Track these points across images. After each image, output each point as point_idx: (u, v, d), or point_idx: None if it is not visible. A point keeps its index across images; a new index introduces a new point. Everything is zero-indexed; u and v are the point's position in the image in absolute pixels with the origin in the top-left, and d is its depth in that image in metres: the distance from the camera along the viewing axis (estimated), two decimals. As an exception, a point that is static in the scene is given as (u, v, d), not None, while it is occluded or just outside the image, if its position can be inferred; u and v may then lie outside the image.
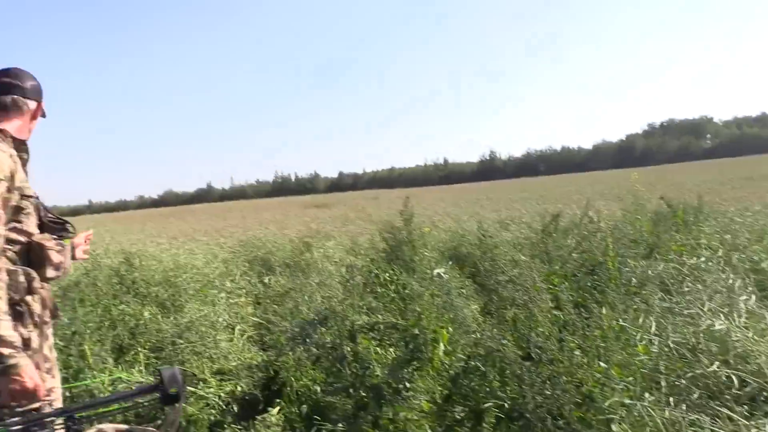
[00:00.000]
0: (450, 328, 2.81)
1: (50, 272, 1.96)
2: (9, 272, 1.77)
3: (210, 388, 3.65)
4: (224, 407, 3.54)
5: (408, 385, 2.61)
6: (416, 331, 2.80)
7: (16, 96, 2.04)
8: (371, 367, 2.76)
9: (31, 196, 1.96)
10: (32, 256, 1.90)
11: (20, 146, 2.01)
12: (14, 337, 1.71)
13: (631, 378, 2.37)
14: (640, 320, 2.76)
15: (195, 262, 6.19)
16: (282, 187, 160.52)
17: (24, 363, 1.72)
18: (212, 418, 3.43)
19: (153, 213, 49.08)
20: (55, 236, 2.04)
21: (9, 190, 1.83)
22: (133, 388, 3.18)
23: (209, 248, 8.32)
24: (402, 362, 2.73)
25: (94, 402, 1.68)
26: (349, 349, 2.94)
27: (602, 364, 2.32)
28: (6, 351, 1.67)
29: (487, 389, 2.52)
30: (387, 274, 4.16)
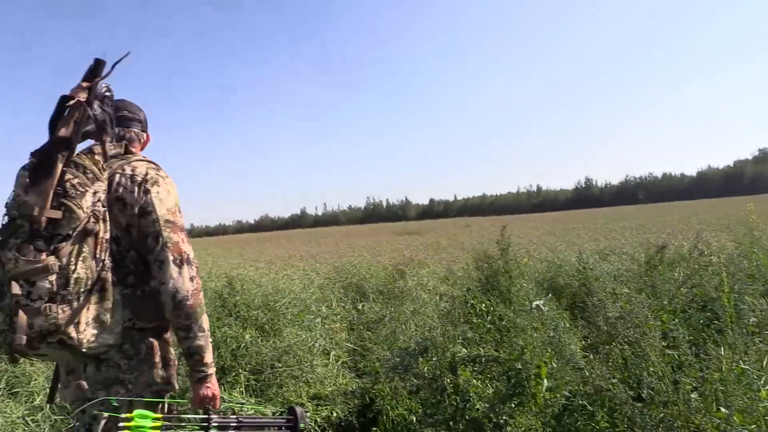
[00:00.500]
0: (554, 364, 2.71)
1: None
2: None
3: (307, 412, 3.69)
4: (320, 432, 3.58)
5: (509, 420, 2.55)
6: (519, 366, 2.73)
7: (137, 129, 2.14)
8: (471, 400, 2.71)
9: None
10: None
11: None
12: (211, 349, 1.92)
13: (754, 426, 2.20)
14: (764, 362, 2.55)
15: (293, 287, 6.32)
16: (373, 214, 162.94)
17: (213, 373, 1.93)
18: (309, 443, 3.47)
19: (250, 237, 51.01)
20: None
21: None
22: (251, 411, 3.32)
23: (305, 273, 8.48)
24: (503, 397, 2.66)
25: (239, 420, 1.83)
26: (449, 380, 2.89)
27: (723, 409, 2.15)
28: (209, 360, 1.90)
29: (594, 429, 2.41)
30: (483, 305, 4.10)
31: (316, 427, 3.59)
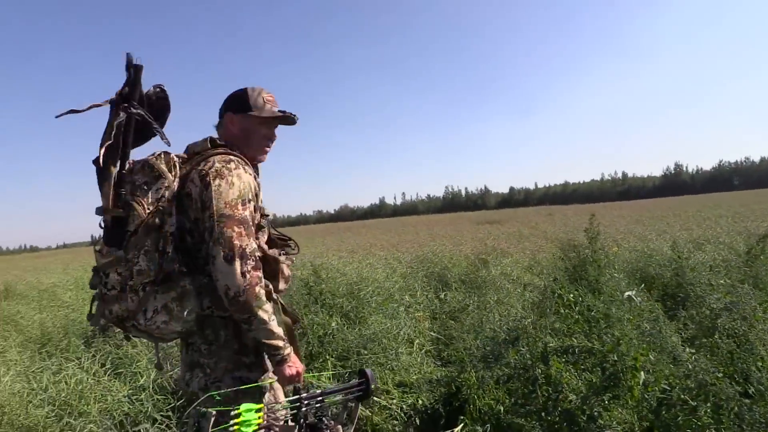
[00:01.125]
0: (651, 356, 2.60)
1: (282, 284, 2.12)
2: None
3: (393, 399, 3.74)
4: (406, 419, 3.60)
5: (603, 413, 2.47)
6: (614, 357, 2.64)
7: (224, 119, 2.20)
8: (563, 391, 2.65)
9: (266, 215, 2.11)
10: (267, 269, 2.01)
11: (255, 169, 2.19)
12: (281, 332, 1.95)
13: None
14: None
15: (376, 276, 6.39)
16: (452, 203, 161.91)
17: (291, 352, 1.98)
18: (396, 429, 3.51)
19: (330, 227, 51.76)
20: (281, 252, 2.19)
21: (255, 209, 2.00)
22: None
23: (387, 263, 8.55)
24: (598, 389, 2.59)
25: (323, 393, 1.95)
26: (540, 371, 2.84)
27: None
28: (281, 343, 1.93)
29: (697, 425, 2.29)
30: (571, 295, 4.00)
31: (402, 414, 3.61)
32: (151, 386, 3.42)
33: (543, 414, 2.65)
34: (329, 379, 4.06)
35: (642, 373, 2.52)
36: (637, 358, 2.52)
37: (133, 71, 1.86)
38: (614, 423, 2.42)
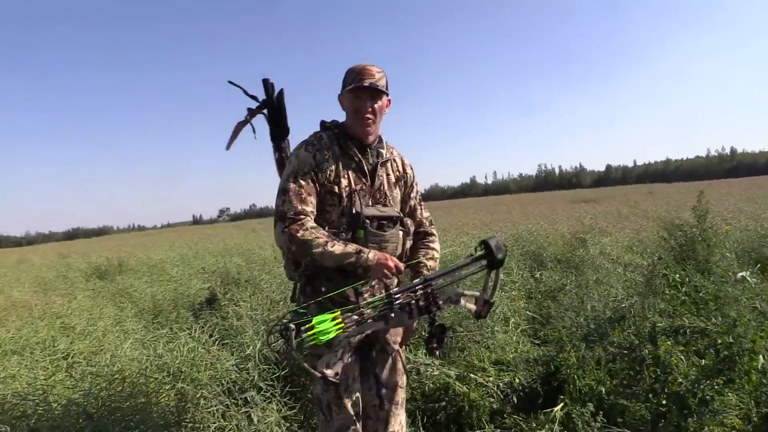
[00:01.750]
0: (772, 339, 2.44)
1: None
2: None
3: (489, 377, 3.72)
4: (503, 397, 3.58)
5: (716, 396, 2.36)
6: (729, 339, 2.50)
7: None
8: (672, 373, 2.54)
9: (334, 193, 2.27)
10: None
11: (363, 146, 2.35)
12: (346, 248, 2.15)
13: None
14: None
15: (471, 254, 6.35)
16: (545, 182, 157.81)
17: (371, 254, 2.15)
18: (493, 406, 3.50)
19: (422, 207, 51.64)
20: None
21: (312, 181, 2.25)
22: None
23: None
24: (710, 371, 2.47)
25: (445, 271, 2.14)
26: (648, 351, 2.74)
27: None
28: (352, 255, 2.13)
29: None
30: (677, 275, 3.82)
31: (499, 392, 3.60)
32: (256, 356, 3.57)
33: (650, 396, 2.56)
34: (425, 355, 4.09)
35: (761, 356, 2.37)
36: (755, 341, 2.37)
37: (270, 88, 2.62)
38: (728, 408, 2.31)
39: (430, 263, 2.43)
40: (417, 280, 2.07)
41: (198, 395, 3.15)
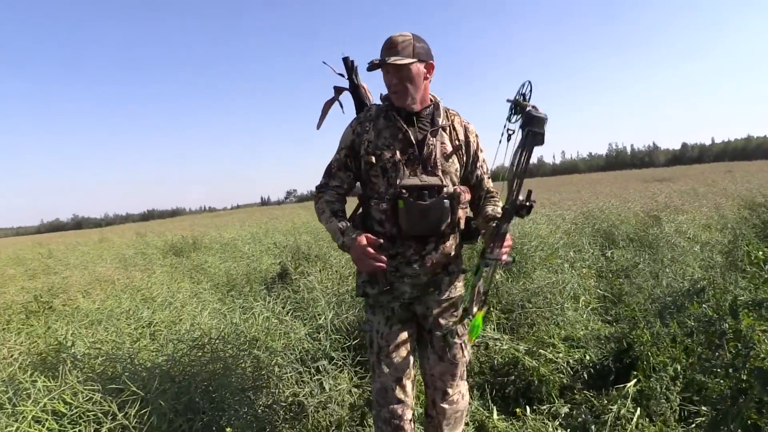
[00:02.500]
0: None
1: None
2: None
3: (559, 353, 3.70)
4: (573, 374, 3.55)
5: (803, 374, 2.26)
6: (819, 313, 2.39)
7: None
8: (755, 348, 2.45)
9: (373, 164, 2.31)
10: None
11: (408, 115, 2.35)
12: (335, 226, 2.31)
13: None
14: None
15: (539, 232, 6.28)
16: (616, 161, 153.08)
17: (350, 239, 2.22)
18: (563, 381, 3.47)
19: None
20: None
21: (345, 155, 2.37)
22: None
23: (549, 219, 8.33)
24: (797, 347, 2.36)
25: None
26: (729, 325, 2.65)
27: None
28: (338, 228, 2.28)
29: None
30: (761, 252, 3.65)
31: (569, 369, 3.57)
32: (328, 326, 3.67)
33: (730, 371, 2.48)
34: (494, 330, 4.10)
35: None
36: None
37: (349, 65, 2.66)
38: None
39: (498, 208, 2.39)
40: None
41: (273, 362, 3.27)
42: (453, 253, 2.38)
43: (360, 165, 2.35)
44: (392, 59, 2.17)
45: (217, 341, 3.38)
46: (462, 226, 2.36)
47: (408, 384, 2.35)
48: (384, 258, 2.15)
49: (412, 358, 2.39)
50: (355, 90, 2.68)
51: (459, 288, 2.46)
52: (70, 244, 18.07)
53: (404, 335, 2.38)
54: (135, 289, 5.67)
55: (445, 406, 2.47)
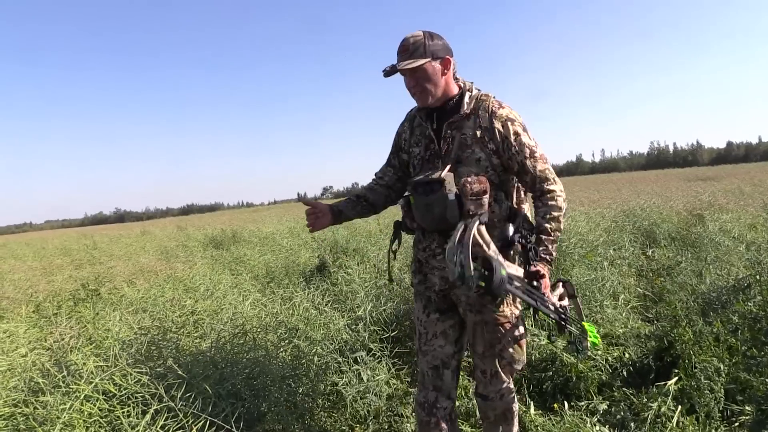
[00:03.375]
0: None
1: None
2: None
3: (598, 350, 3.67)
4: (611, 371, 3.52)
5: None
6: None
7: None
8: (802, 345, 2.40)
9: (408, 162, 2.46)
10: None
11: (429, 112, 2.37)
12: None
13: None
14: None
15: (578, 229, 6.22)
16: (658, 160, 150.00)
17: None
18: (602, 377, 3.45)
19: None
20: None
21: (393, 151, 2.55)
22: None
23: (588, 217, 8.23)
24: None
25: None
26: (774, 322, 2.60)
27: None
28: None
29: None
30: (809, 251, 3.57)
31: (607, 366, 3.54)
32: (367, 318, 3.72)
33: (774, 368, 2.44)
34: (532, 325, 4.08)
35: None
36: None
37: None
38: None
39: (548, 225, 2.23)
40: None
41: (312, 352, 3.33)
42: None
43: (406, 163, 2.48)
44: (402, 65, 2.17)
45: (258, 329, 3.46)
46: (485, 216, 2.17)
47: (447, 373, 2.37)
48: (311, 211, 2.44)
49: (452, 349, 2.40)
50: None
51: None
52: (114, 237, 18.61)
53: (445, 324, 2.39)
54: (177, 280, 5.82)
55: (479, 400, 2.48)
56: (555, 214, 2.23)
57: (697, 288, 3.96)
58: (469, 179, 2.16)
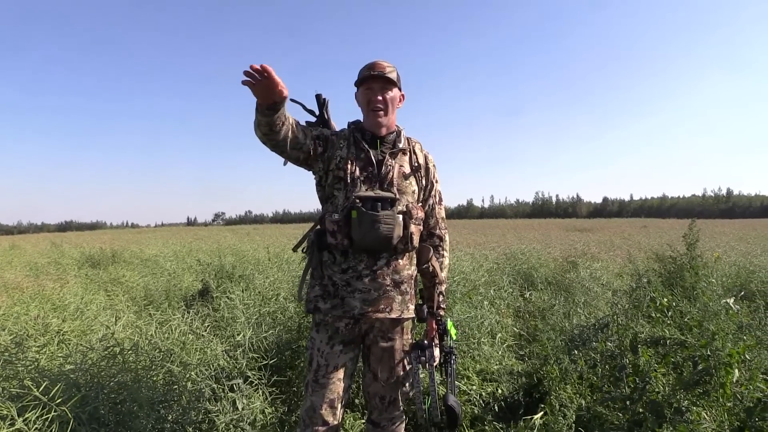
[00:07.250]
0: (747, 355, 2.51)
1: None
2: None
3: (473, 385, 3.78)
4: (484, 405, 3.64)
5: (691, 407, 2.41)
6: (707, 352, 2.57)
7: None
8: (651, 382, 2.60)
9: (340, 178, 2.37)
10: None
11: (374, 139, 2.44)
12: None
13: None
14: None
15: (462, 268, 6.43)
16: (542, 209, 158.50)
17: None
18: (475, 411, 3.55)
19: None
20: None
21: (317, 135, 2.42)
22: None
23: (473, 258, 8.54)
24: (687, 383, 2.52)
25: None
26: (629, 360, 2.80)
27: None
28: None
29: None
30: (665, 299, 3.89)
31: (481, 401, 3.65)
32: (246, 344, 3.62)
33: (627, 403, 2.62)
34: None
35: (736, 370, 2.44)
36: (732, 355, 2.44)
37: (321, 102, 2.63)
38: (702, 419, 2.36)
39: (444, 274, 2.53)
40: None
41: (186, 377, 3.20)
42: (407, 273, 2.38)
43: (327, 175, 2.39)
44: (387, 73, 2.32)
45: (130, 351, 3.28)
46: (416, 244, 2.37)
47: (339, 407, 2.31)
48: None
49: (347, 383, 2.37)
50: (326, 125, 2.68)
51: (411, 310, 2.41)
52: (-25, 250, 17.05)
53: (345, 357, 2.35)
54: (45, 298, 5.42)
55: (370, 427, 2.50)
56: (446, 263, 2.48)
57: (565, 328, 4.20)
58: (415, 204, 2.36)
